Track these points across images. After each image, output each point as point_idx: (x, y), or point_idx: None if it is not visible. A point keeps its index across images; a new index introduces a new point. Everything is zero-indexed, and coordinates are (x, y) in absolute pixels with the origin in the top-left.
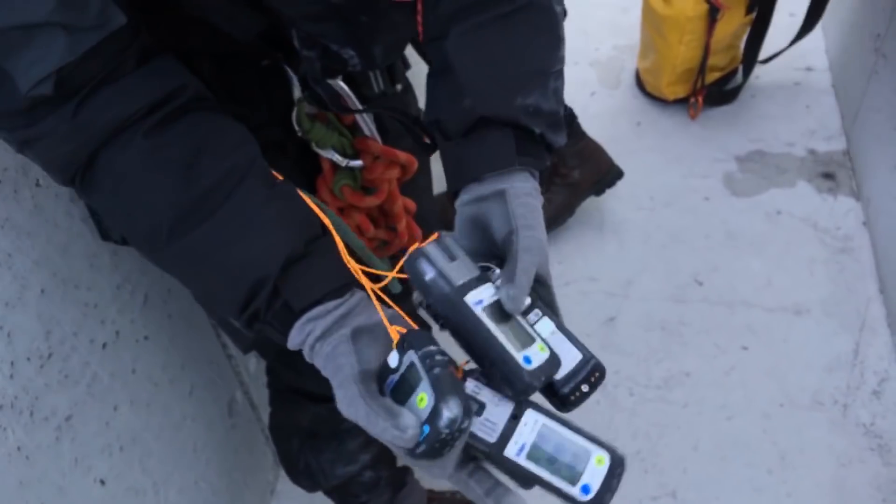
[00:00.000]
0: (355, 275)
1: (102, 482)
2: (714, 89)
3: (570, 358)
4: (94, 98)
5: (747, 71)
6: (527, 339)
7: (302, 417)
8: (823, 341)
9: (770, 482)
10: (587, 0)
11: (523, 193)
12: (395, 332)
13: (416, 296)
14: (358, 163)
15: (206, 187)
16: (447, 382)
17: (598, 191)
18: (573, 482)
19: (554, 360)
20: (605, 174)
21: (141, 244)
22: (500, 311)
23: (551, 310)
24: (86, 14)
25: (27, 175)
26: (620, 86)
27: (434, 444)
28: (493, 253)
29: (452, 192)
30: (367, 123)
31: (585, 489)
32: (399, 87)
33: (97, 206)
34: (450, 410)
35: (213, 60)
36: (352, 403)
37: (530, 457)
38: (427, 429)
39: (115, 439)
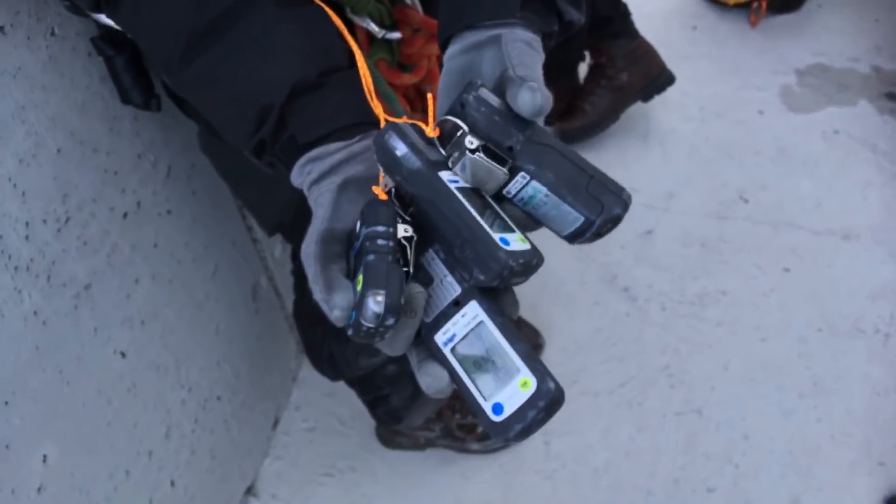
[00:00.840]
0: (377, 115)
1: (123, 354)
2: None
3: (570, 220)
4: None
5: None
6: (506, 227)
7: None
8: (870, 268)
9: (800, 406)
10: None
11: (521, 39)
12: (380, 192)
13: (385, 181)
14: (396, 35)
15: (220, 8)
16: (378, 273)
17: (647, 96)
18: (487, 396)
19: (535, 255)
20: (655, 78)
21: (164, 66)
22: (476, 197)
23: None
24: None
25: (41, 21)
26: None
27: (359, 333)
28: None
29: (442, 43)
30: None
31: (497, 408)
32: None
33: (125, 27)
34: (376, 304)
35: None
36: (306, 260)
37: (455, 351)
38: (353, 315)
39: (135, 313)
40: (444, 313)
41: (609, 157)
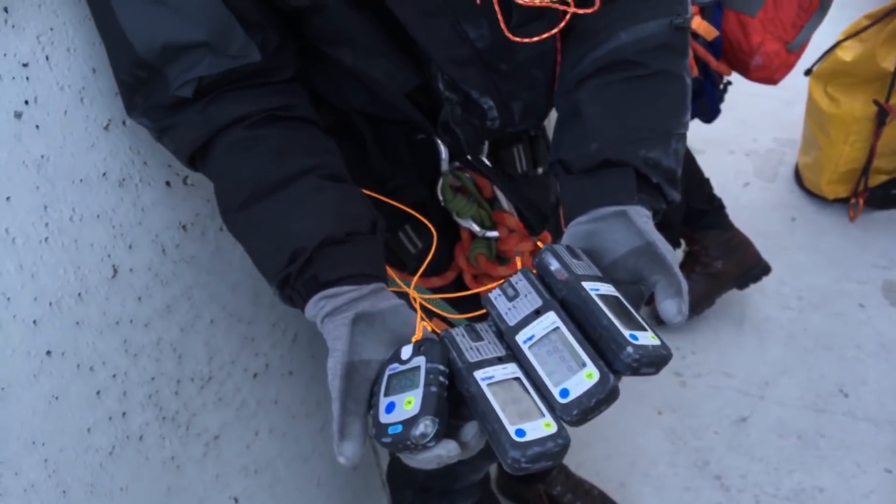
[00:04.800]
0: (387, 274)
1: (236, 500)
2: (879, 192)
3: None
4: (221, 99)
5: None
6: (639, 326)
7: (418, 470)
8: None
9: None
10: (750, 91)
11: (644, 216)
12: (422, 326)
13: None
14: (494, 234)
15: (284, 173)
16: (435, 403)
17: (742, 284)
18: (557, 383)
19: (663, 349)
20: (750, 268)
21: (225, 210)
22: (613, 302)
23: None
24: (230, 46)
25: (214, 220)
26: (777, 179)
27: (398, 445)
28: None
29: (568, 219)
30: (505, 198)
31: (564, 393)
32: (540, 170)
33: (207, 175)
34: (425, 427)
35: (374, 124)
36: (332, 394)
37: (533, 348)
38: (400, 428)
39: (252, 462)
40: (525, 320)
41: (703, 340)
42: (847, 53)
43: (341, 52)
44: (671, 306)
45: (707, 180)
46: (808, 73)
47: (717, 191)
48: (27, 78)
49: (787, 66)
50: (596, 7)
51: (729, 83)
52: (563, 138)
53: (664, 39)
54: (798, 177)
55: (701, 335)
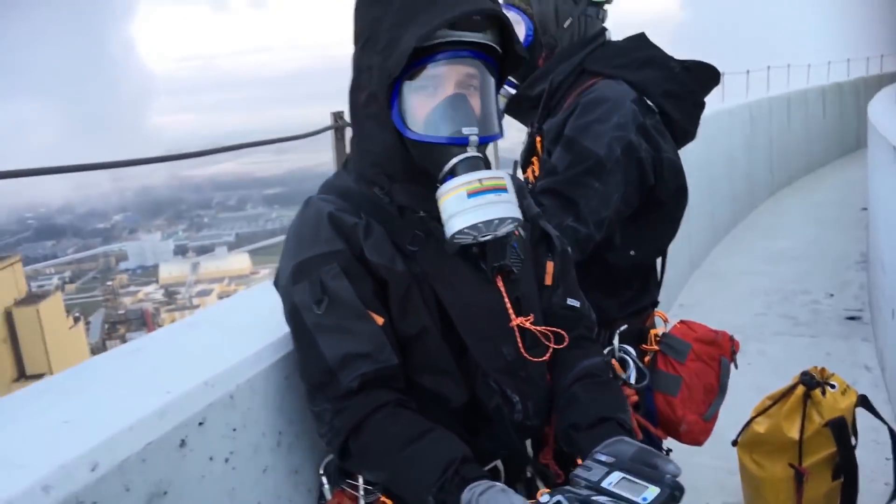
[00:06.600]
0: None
1: None
2: None
3: None
4: (373, 392)
5: None
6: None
7: None
8: None
9: None
10: (697, 461)
11: (630, 439)
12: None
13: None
14: None
15: (422, 429)
16: None
17: None
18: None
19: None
20: None
21: (380, 462)
22: (624, 483)
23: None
24: (382, 354)
25: None
26: None
27: None
28: None
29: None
30: None
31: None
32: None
33: (358, 451)
34: None
35: None
36: None
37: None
38: None
39: None
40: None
41: None
42: (760, 426)
43: (425, 377)
44: (670, 468)
45: None
46: (734, 443)
47: None
48: (233, 438)
49: (707, 432)
50: (566, 344)
51: (670, 450)
52: (570, 412)
53: (604, 365)
54: None
55: None
